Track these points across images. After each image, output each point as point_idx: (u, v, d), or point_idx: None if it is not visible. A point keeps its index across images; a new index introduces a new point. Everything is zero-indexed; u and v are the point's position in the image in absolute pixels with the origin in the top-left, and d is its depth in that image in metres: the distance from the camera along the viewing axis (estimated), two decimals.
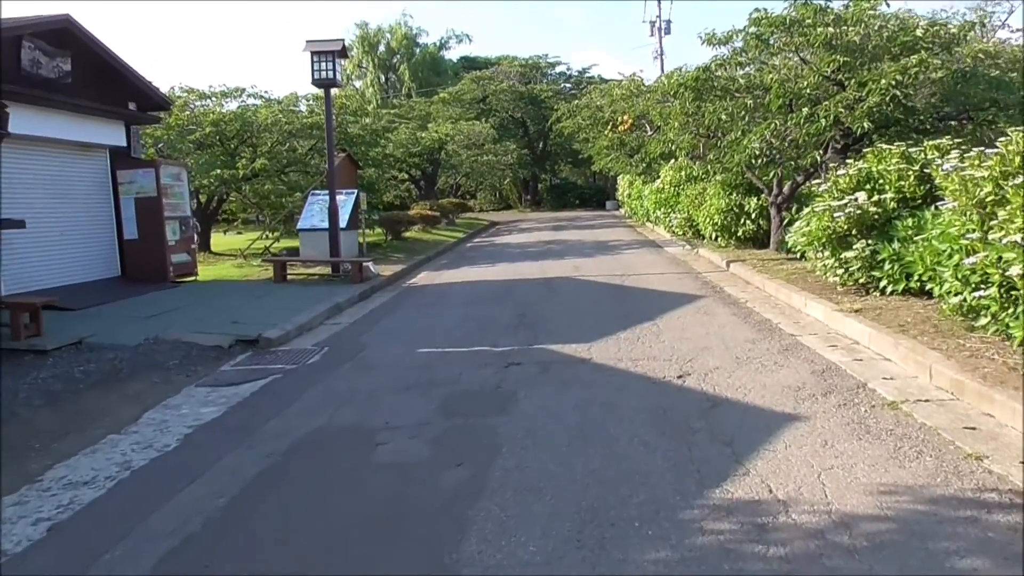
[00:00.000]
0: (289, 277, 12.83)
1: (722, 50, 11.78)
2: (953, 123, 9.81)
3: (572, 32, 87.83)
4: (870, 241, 8.04)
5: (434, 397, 5.63)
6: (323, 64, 12.57)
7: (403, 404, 5.50)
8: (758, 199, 13.87)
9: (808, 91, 9.42)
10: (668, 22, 38.35)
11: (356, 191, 16.16)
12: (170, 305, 9.78)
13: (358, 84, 56.59)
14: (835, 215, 8.10)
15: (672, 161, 20.52)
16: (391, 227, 18.99)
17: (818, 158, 9.69)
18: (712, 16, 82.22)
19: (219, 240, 19.56)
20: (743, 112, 10.29)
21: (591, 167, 33.29)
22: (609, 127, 25.22)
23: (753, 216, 13.91)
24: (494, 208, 44.72)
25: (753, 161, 10.25)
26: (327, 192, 16.45)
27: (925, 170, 7.93)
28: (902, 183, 8.00)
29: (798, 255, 11.89)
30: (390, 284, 12.81)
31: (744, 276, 11.30)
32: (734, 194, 14.27)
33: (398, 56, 54.30)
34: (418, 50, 54.37)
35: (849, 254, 8.08)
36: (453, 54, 55.04)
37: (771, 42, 10.01)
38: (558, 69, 45.53)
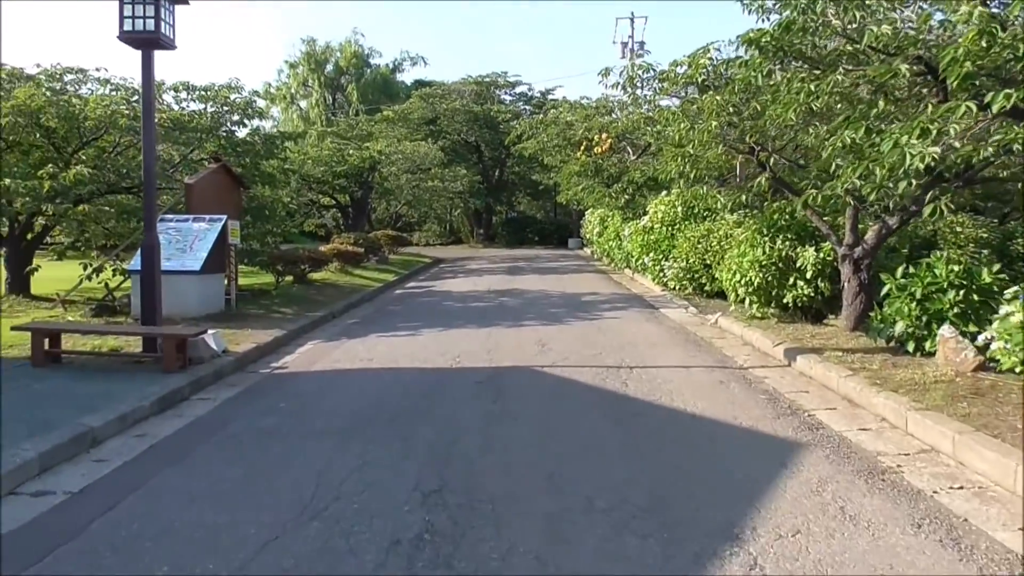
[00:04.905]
0: (74, 352, 7.66)
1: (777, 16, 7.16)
2: None
3: (538, 57, 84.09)
4: None
5: None
6: (140, 8, 7.59)
7: None
8: (817, 249, 9.24)
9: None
10: (641, 43, 34.46)
11: (224, 218, 11.12)
12: None
13: (303, 104, 51.76)
14: None
15: (664, 193, 15.97)
16: (288, 268, 13.88)
17: None
18: (688, 38, 79.22)
19: (52, 274, 13.96)
20: (881, 89, 5.44)
21: (554, 199, 28.62)
22: (582, 148, 20.69)
23: (809, 275, 9.23)
24: (442, 242, 39.45)
25: (907, 185, 5.37)
26: (184, 217, 11.47)
27: None
28: None
29: (905, 344, 7.25)
30: (240, 369, 7.75)
31: (840, 387, 6.46)
32: (779, 240, 9.60)
33: (347, 76, 50.11)
34: (368, 70, 50.36)
35: None
36: (407, 77, 51.17)
37: None
38: (518, 90, 40.67)
